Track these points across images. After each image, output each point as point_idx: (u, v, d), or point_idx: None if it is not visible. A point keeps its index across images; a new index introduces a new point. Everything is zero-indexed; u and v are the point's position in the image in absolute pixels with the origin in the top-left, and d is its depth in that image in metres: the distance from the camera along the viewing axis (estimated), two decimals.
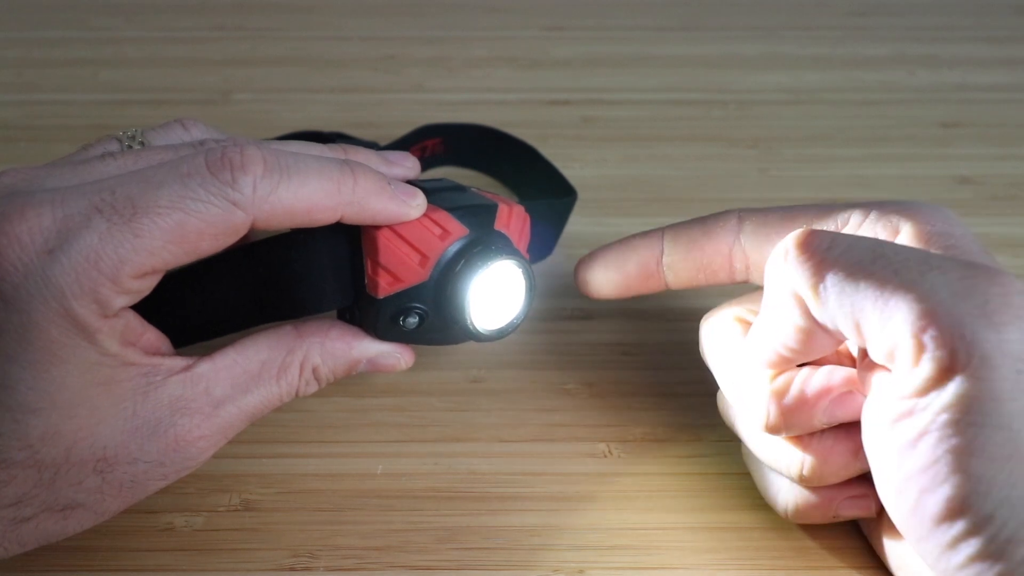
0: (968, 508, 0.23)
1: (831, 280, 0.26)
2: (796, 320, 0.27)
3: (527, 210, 0.34)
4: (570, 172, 0.46)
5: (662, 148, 0.55)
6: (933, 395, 0.24)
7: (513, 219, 0.32)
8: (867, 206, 0.31)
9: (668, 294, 0.42)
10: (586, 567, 0.31)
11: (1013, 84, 0.64)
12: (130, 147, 0.31)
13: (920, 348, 0.24)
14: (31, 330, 0.25)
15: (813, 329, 0.27)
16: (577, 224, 0.45)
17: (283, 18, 0.72)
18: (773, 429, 0.29)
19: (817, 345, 0.28)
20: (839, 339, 0.27)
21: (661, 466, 0.35)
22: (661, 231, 0.34)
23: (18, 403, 0.25)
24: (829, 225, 0.31)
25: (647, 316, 0.42)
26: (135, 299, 0.26)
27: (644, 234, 0.34)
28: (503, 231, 0.32)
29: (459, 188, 0.33)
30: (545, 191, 0.46)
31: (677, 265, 0.33)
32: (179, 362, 0.28)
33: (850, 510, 0.30)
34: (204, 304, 0.30)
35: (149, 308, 0.27)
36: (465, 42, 0.69)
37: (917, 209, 0.30)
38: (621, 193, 0.51)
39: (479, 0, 0.76)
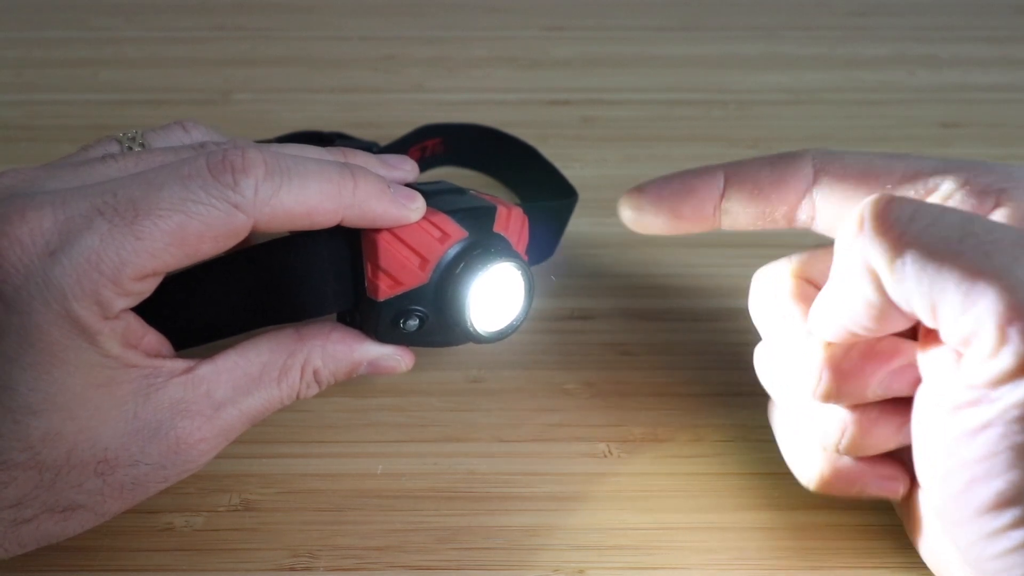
0: (1019, 502, 0.23)
1: (911, 257, 0.24)
2: (868, 296, 0.26)
3: (527, 212, 0.34)
4: (570, 172, 0.46)
5: (662, 148, 0.55)
6: (1006, 388, 0.23)
7: (512, 221, 0.33)
8: (961, 172, 0.28)
9: (668, 294, 0.43)
10: (586, 567, 0.31)
11: (1013, 84, 0.64)
12: (130, 148, 0.31)
13: (1003, 340, 0.23)
14: (32, 332, 0.25)
15: (886, 307, 0.25)
16: (577, 224, 0.45)
17: (283, 18, 0.72)
18: (824, 396, 0.28)
19: (888, 323, 0.26)
20: (912, 319, 0.26)
21: (661, 466, 0.35)
22: (722, 170, 0.31)
23: (19, 405, 0.25)
24: (915, 191, 0.29)
25: (647, 316, 0.42)
26: (136, 301, 0.26)
27: (702, 173, 0.32)
28: (502, 233, 0.32)
29: (458, 191, 0.33)
30: (545, 191, 0.46)
31: (737, 210, 0.31)
32: (180, 364, 0.28)
33: (877, 490, 0.29)
34: (205, 307, 0.29)
35: (150, 310, 0.27)
36: (465, 42, 0.69)
37: (1017, 182, 0.28)
38: (621, 193, 0.50)
39: (479, 0, 0.76)
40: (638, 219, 0.33)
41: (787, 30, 0.71)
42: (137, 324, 0.27)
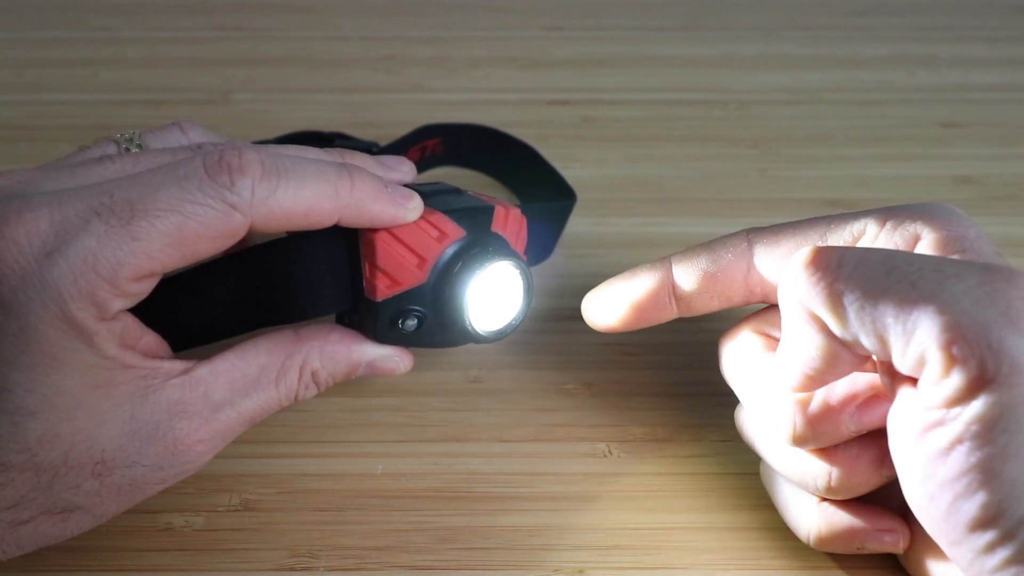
0: (1004, 513, 0.23)
1: (848, 299, 0.25)
2: (816, 340, 0.27)
3: (526, 212, 0.34)
4: (570, 172, 0.46)
5: (662, 148, 0.55)
6: (964, 406, 0.24)
7: (510, 221, 0.33)
8: (880, 214, 0.31)
9: None
10: (586, 567, 0.31)
11: (1013, 84, 0.64)
12: (127, 150, 0.31)
13: (949, 361, 0.24)
14: (29, 333, 0.25)
15: (835, 347, 0.27)
16: (577, 224, 0.45)
17: (283, 18, 0.72)
18: (800, 440, 0.29)
19: (841, 363, 0.27)
20: (863, 355, 0.27)
21: (661, 466, 0.35)
22: (668, 263, 0.33)
23: (16, 406, 0.25)
24: (843, 237, 0.31)
25: None
26: (133, 302, 0.26)
27: (651, 268, 0.33)
28: (500, 233, 0.32)
29: (456, 191, 0.33)
30: (545, 192, 0.46)
31: (691, 297, 0.32)
32: (178, 366, 0.28)
33: (876, 544, 0.30)
34: (202, 308, 0.29)
35: (148, 311, 0.27)
36: (465, 42, 0.69)
37: (931, 214, 0.30)
38: (621, 193, 0.51)
39: (479, 0, 0.76)
40: (600, 318, 0.34)
41: (787, 30, 0.71)
42: (134, 325, 0.27)
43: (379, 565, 0.31)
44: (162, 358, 0.28)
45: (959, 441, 0.24)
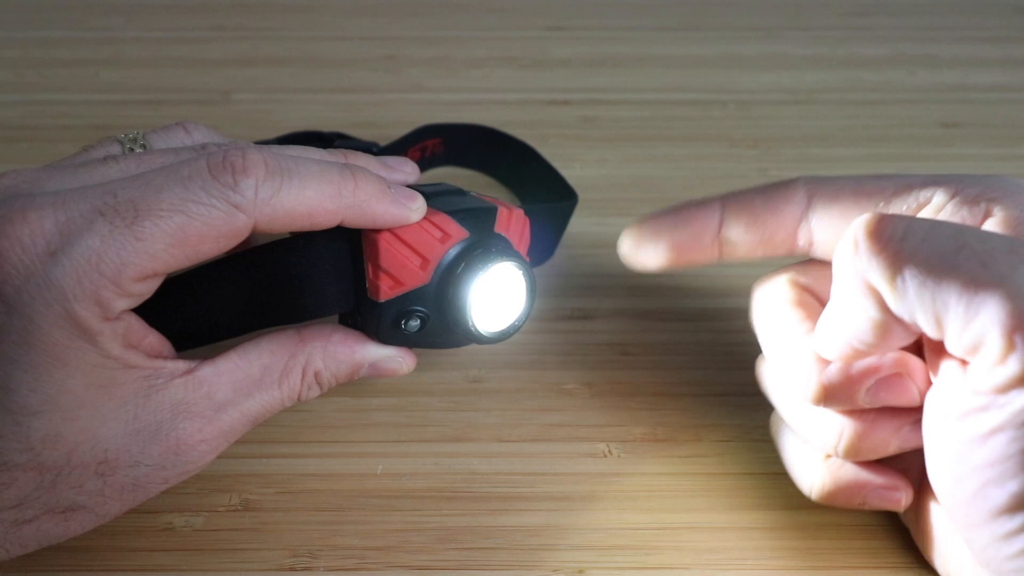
0: None
1: (910, 274, 0.24)
2: (871, 313, 0.26)
3: (527, 214, 0.34)
4: (570, 172, 0.46)
5: (662, 148, 0.55)
6: (1014, 394, 0.24)
7: (513, 222, 0.33)
8: (951, 184, 0.29)
9: (668, 294, 0.43)
10: (586, 567, 0.31)
11: (1013, 84, 0.64)
12: (131, 149, 0.31)
13: (1008, 347, 0.23)
14: (33, 333, 0.25)
15: (890, 322, 0.26)
16: (577, 225, 0.45)
17: (283, 18, 0.72)
18: (815, 399, 0.28)
19: (891, 339, 0.26)
20: (916, 332, 0.26)
21: (661, 466, 0.35)
22: (720, 201, 0.32)
23: (20, 406, 0.25)
24: (907, 203, 0.29)
25: (647, 316, 0.42)
26: (136, 302, 0.26)
27: (700, 204, 0.32)
28: (503, 234, 0.32)
29: (459, 192, 0.33)
30: (545, 191, 0.46)
31: (736, 239, 0.31)
32: (181, 365, 0.28)
33: (879, 501, 0.29)
34: (206, 308, 0.29)
35: (151, 312, 0.27)
36: (465, 42, 0.69)
37: (1004, 191, 0.29)
38: (621, 193, 0.51)
39: (479, 0, 0.76)
40: (637, 251, 0.33)
41: (787, 30, 0.71)
42: (138, 325, 0.27)
43: (379, 565, 0.31)
44: (165, 358, 0.28)
45: (1001, 429, 0.24)
